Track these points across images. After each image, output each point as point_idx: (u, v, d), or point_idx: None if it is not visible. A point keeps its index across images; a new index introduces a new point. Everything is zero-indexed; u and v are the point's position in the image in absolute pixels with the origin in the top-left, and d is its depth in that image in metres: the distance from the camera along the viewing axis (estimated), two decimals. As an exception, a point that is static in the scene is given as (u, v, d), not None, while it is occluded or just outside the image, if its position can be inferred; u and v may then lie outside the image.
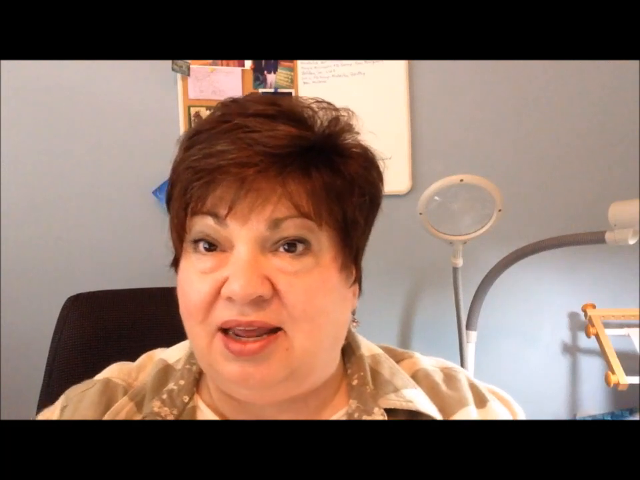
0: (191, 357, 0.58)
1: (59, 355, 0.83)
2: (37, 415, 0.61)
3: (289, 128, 0.48)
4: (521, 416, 0.59)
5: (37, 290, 1.44)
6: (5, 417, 1.39)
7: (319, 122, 0.50)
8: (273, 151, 0.46)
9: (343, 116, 0.52)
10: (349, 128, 0.52)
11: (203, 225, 0.48)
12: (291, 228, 0.47)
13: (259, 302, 0.46)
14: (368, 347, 0.61)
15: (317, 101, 0.51)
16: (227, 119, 0.49)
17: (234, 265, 0.47)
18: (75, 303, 0.87)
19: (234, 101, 0.51)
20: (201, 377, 0.58)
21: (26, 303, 1.44)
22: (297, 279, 0.47)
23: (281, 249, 0.48)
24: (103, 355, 0.83)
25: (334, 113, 0.51)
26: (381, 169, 0.54)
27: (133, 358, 0.63)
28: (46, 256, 1.44)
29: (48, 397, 0.80)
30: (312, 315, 0.48)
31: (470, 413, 0.56)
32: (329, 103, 0.52)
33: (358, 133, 0.53)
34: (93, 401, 0.56)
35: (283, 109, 0.49)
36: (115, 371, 0.60)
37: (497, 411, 0.57)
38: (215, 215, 0.47)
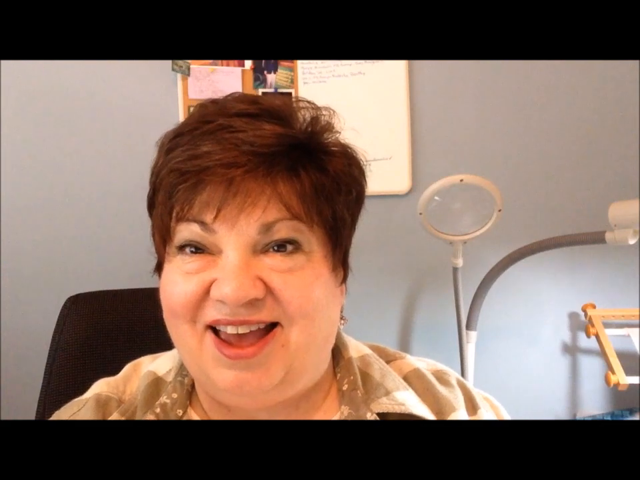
0: (182, 368, 0.57)
1: (58, 355, 0.83)
2: (36, 416, 0.61)
3: (274, 126, 0.47)
4: None
5: (37, 290, 1.44)
6: (4, 417, 1.39)
7: (300, 119, 0.50)
8: (260, 150, 0.45)
9: (324, 115, 0.51)
10: (329, 127, 0.51)
11: (188, 231, 0.47)
12: (282, 230, 0.47)
13: (252, 302, 0.46)
14: (357, 347, 0.60)
15: (298, 100, 0.51)
16: (209, 119, 0.48)
17: (224, 269, 0.46)
18: (75, 303, 0.87)
19: (213, 102, 0.51)
20: (193, 389, 0.57)
21: (26, 302, 1.44)
22: (291, 275, 0.47)
23: (271, 250, 0.47)
24: (102, 354, 0.83)
25: (314, 111, 0.51)
26: (363, 167, 0.53)
27: (131, 358, 0.63)
28: (46, 256, 1.44)
29: (48, 396, 0.80)
30: (307, 310, 0.48)
31: (460, 417, 0.55)
32: (309, 102, 0.51)
33: (339, 132, 0.52)
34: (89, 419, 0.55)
35: (266, 107, 0.48)
36: (102, 386, 0.58)
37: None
38: (201, 222, 0.46)
